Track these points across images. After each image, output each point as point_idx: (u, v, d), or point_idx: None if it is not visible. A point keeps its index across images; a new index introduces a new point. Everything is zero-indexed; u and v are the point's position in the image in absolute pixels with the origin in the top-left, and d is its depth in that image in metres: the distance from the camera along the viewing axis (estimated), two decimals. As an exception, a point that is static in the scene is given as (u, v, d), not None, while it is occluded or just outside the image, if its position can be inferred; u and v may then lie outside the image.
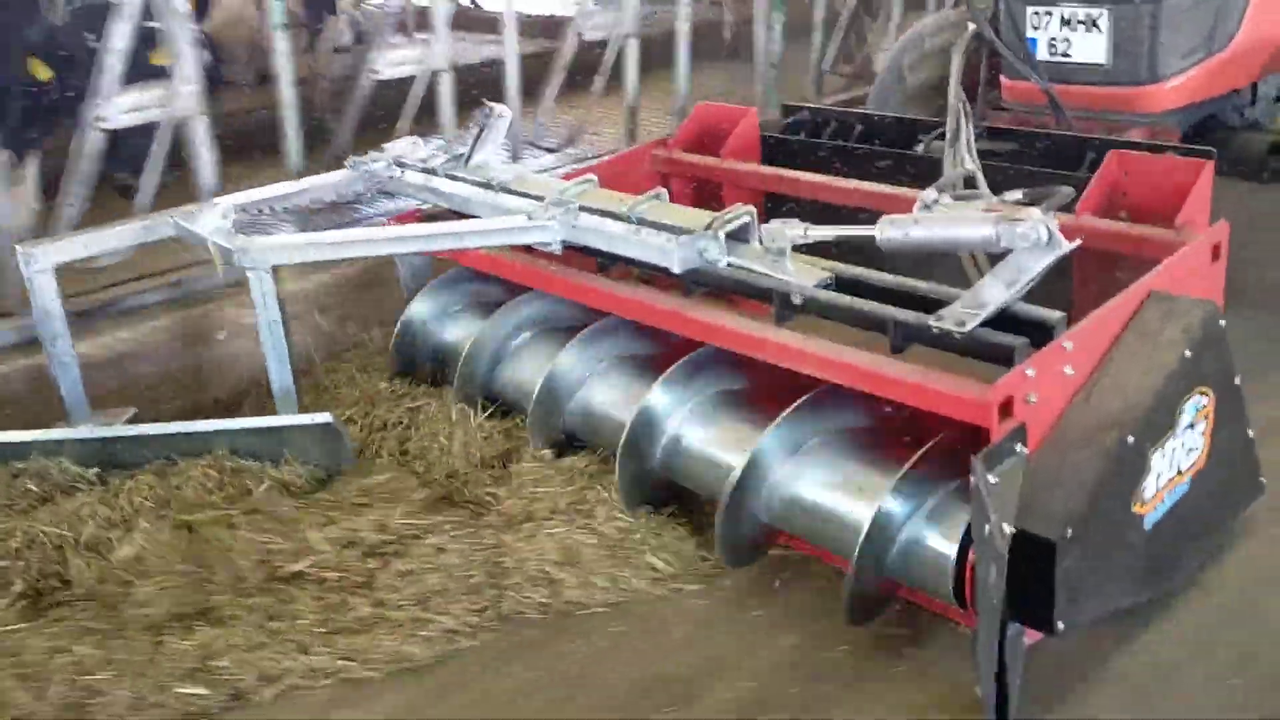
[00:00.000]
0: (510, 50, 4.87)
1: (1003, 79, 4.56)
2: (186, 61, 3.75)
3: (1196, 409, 2.69)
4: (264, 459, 3.23)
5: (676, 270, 2.97)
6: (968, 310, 2.52)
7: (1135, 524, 2.58)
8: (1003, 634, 2.26)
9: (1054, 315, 2.52)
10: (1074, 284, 3.28)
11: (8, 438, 3.24)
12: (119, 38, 3.70)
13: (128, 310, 3.90)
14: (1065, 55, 4.31)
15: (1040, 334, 2.52)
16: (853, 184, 3.77)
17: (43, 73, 4.73)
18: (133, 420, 3.58)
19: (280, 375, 3.34)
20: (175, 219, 3.48)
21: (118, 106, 3.69)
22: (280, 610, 2.76)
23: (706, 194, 4.27)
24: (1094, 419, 2.51)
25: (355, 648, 2.69)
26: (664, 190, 3.29)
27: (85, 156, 3.73)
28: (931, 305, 2.67)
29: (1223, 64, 4.29)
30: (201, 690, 2.58)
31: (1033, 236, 2.37)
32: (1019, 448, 2.42)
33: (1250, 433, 2.95)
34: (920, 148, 3.98)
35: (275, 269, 3.28)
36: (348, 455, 3.29)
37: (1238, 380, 2.82)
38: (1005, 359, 2.48)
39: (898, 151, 4.00)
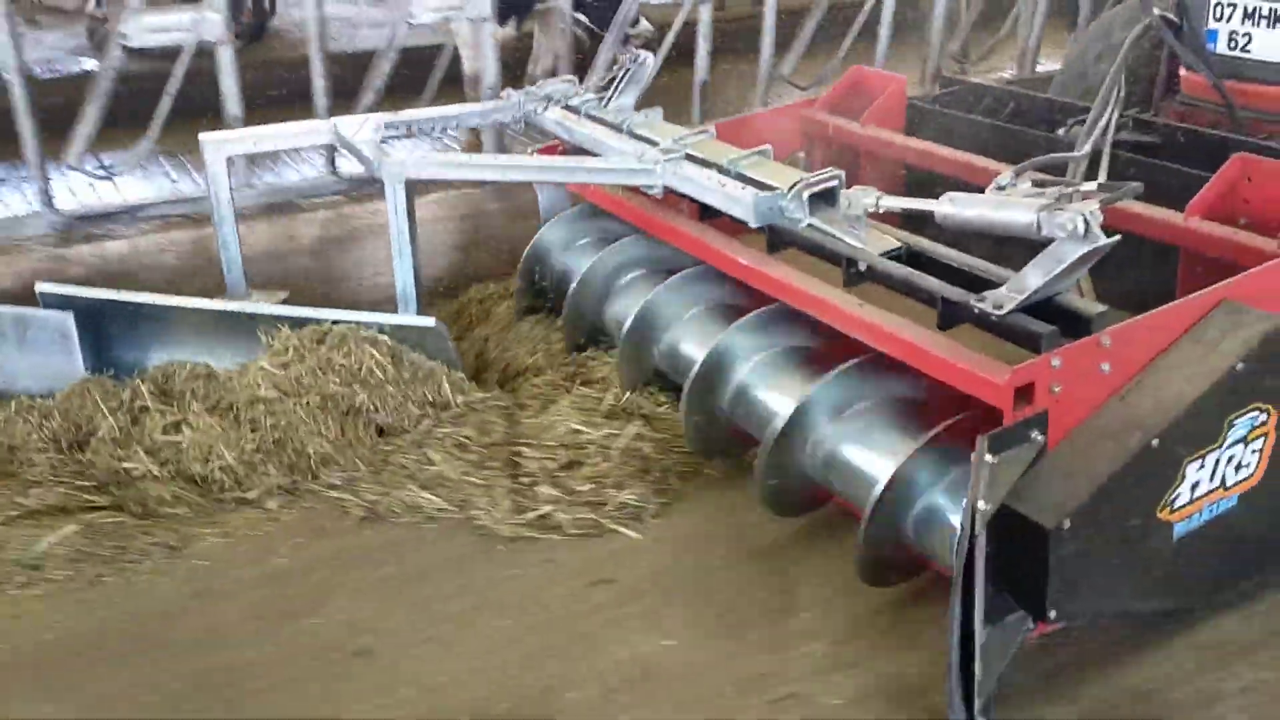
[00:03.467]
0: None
1: (1181, 71, 4.36)
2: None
3: (1252, 425, 2.61)
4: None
5: (753, 224, 3.09)
6: (1011, 294, 2.54)
7: (1160, 530, 2.54)
8: (969, 613, 2.32)
9: (1094, 309, 2.50)
10: (1178, 286, 3.18)
11: (179, 302, 3.69)
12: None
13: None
14: (1245, 50, 4.08)
15: (1080, 326, 2.51)
16: (978, 160, 3.74)
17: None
18: (284, 303, 4.01)
19: (404, 280, 3.68)
20: (336, 125, 3.86)
21: (143, 25, 3.97)
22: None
23: (847, 158, 4.32)
24: (1124, 418, 2.49)
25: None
26: (769, 147, 3.39)
27: (104, 74, 4.05)
28: (985, 286, 2.68)
29: None
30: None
31: (1069, 227, 2.36)
32: (1035, 435, 2.44)
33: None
34: (1063, 131, 3.89)
35: (410, 181, 3.61)
36: (452, 356, 3.59)
37: (1312, 404, 2.70)
38: (1035, 346, 2.49)
39: (1040, 133, 3.92)
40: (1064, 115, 4.05)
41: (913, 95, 4.51)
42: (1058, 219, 2.38)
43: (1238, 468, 2.64)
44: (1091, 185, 2.70)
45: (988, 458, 2.34)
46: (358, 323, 3.49)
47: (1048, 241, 2.46)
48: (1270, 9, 3.97)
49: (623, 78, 4.03)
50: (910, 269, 2.83)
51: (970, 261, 2.77)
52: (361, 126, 3.78)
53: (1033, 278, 2.48)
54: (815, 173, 3.10)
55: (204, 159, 3.76)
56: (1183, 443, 2.49)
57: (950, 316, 2.68)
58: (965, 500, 2.30)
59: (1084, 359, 2.48)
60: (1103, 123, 3.54)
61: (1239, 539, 2.72)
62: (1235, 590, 2.80)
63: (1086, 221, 2.35)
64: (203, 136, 3.77)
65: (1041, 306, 2.56)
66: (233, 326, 3.59)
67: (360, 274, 4.50)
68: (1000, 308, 2.52)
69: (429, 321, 3.52)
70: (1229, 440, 2.58)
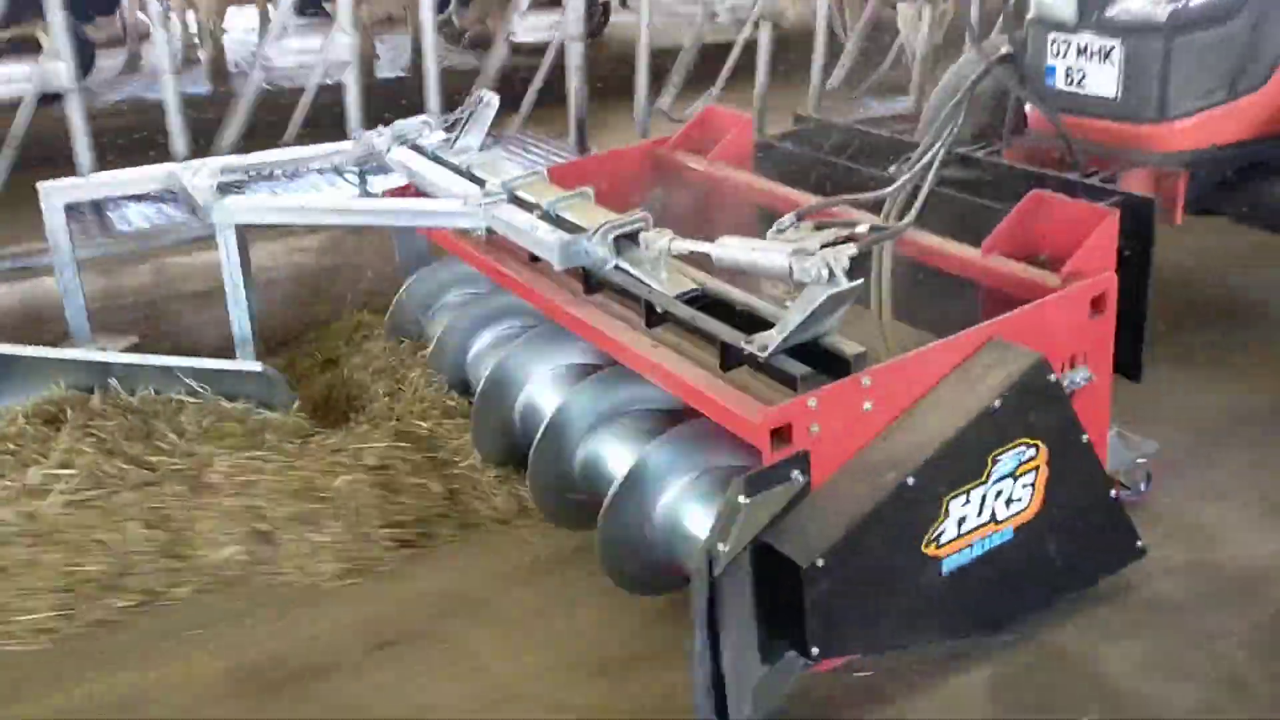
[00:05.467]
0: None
1: (1028, 107, 4.44)
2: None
3: (1019, 460, 2.66)
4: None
5: (557, 266, 3.13)
6: (776, 336, 2.59)
7: (926, 566, 2.59)
8: (717, 648, 2.35)
9: (853, 349, 2.55)
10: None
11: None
12: None
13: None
14: (1080, 85, 4.17)
15: (840, 367, 2.56)
16: (808, 197, 3.80)
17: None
18: (131, 348, 4.02)
19: (240, 325, 3.70)
20: (175, 171, 3.88)
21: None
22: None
23: (700, 196, 4.37)
24: (882, 457, 2.54)
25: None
26: (589, 189, 3.43)
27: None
28: (765, 327, 2.73)
29: (1253, 107, 4.05)
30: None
31: (812, 273, 2.41)
32: (796, 475, 2.48)
33: (1114, 493, 2.89)
34: (893, 169, 3.95)
35: (242, 228, 3.64)
36: (284, 399, 3.61)
37: (1085, 438, 2.76)
38: (793, 387, 2.53)
39: (872, 171, 3.99)
40: (900, 153, 4.12)
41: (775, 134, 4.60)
42: (805, 264, 2.43)
43: (1009, 502, 2.69)
44: (865, 227, 2.77)
45: (740, 499, 2.38)
46: (178, 368, 3.51)
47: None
48: (1101, 45, 4.06)
49: (467, 118, 4.08)
50: (698, 311, 2.87)
51: (754, 303, 2.81)
52: (198, 171, 3.80)
53: (787, 320, 2.53)
54: (623, 215, 3.15)
55: (41, 206, 3.78)
56: (942, 480, 2.54)
57: (728, 358, 2.72)
58: (703, 541, 2.33)
59: (843, 399, 2.52)
60: (926, 159, 3.61)
61: (1018, 571, 2.77)
62: (1020, 620, 2.84)
63: (831, 268, 2.40)
64: (41, 185, 3.80)
65: (806, 348, 2.60)
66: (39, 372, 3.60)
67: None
68: (764, 350, 2.57)
69: (256, 366, 3.54)
70: (995, 476, 2.63)
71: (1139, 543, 2.99)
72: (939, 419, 2.56)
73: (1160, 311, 3.30)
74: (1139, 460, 3.35)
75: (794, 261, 2.45)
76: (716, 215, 4.10)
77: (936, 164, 3.61)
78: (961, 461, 2.56)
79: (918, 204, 3.36)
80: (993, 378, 2.62)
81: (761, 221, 3.49)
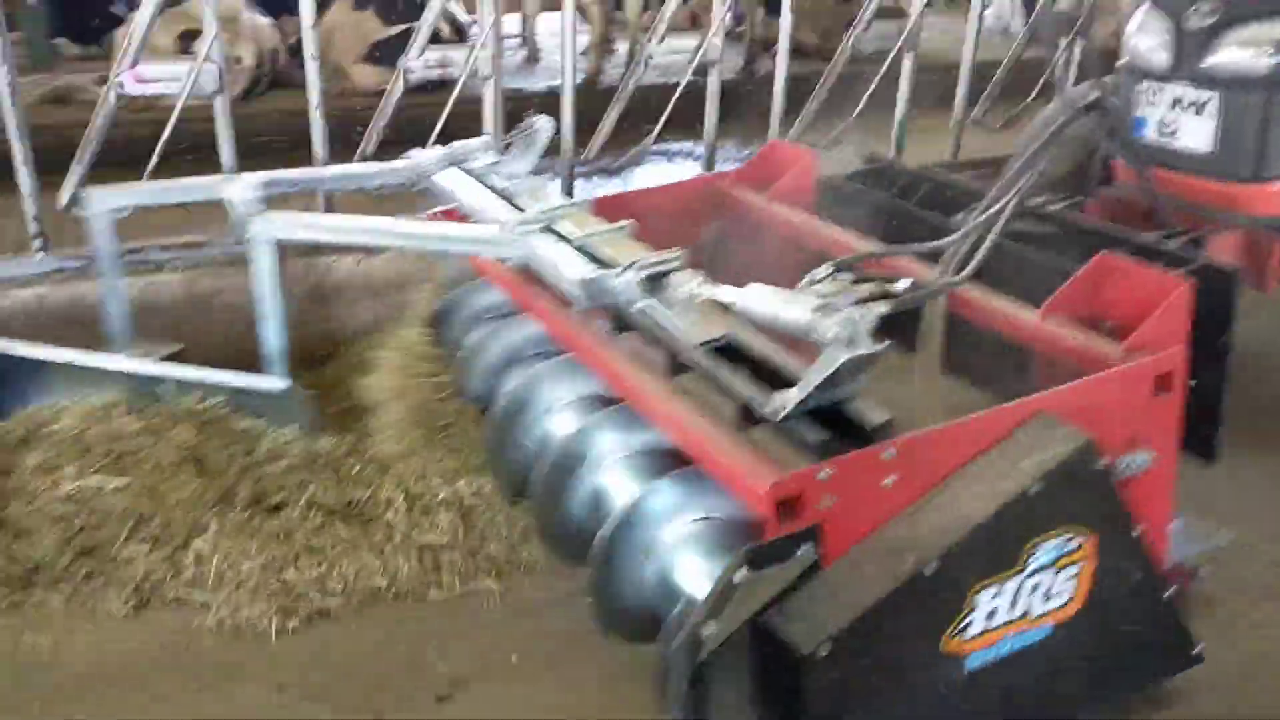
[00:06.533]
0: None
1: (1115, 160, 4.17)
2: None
3: (1061, 551, 2.41)
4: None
5: (580, 305, 2.97)
6: (795, 396, 2.38)
7: (946, 662, 2.35)
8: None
9: (876, 418, 2.33)
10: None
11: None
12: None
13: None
14: (1172, 139, 3.88)
15: (863, 435, 2.34)
16: (858, 242, 3.58)
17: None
18: (173, 356, 3.98)
19: (269, 343, 3.62)
20: (219, 183, 3.83)
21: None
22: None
23: (758, 234, 4.18)
24: (902, 538, 2.32)
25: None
26: (630, 223, 3.27)
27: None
28: (788, 384, 2.53)
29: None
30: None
31: (832, 333, 2.21)
32: (804, 551, 2.27)
33: (1167, 594, 2.61)
34: (961, 215, 3.71)
35: (279, 243, 3.56)
36: (304, 419, 3.52)
37: (1138, 531, 2.50)
38: (808, 455, 2.33)
39: (937, 218, 3.75)
40: (974, 201, 3.87)
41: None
42: (826, 322, 2.23)
43: (1047, 596, 2.43)
44: (905, 283, 2.55)
45: (739, 574, 2.19)
46: (204, 384, 3.44)
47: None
48: (1196, 97, 3.77)
49: (518, 141, 3.96)
50: (721, 361, 2.68)
51: (780, 358, 2.61)
52: (239, 184, 3.73)
53: (808, 381, 2.32)
54: (655, 253, 2.99)
55: (88, 213, 3.76)
56: (969, 568, 2.31)
57: (746, 417, 2.53)
58: (690, 620, 2.13)
59: (862, 471, 2.30)
60: (994, 210, 3.37)
61: (1053, 673, 2.51)
62: (1054, 726, 2.58)
63: (853, 330, 2.19)
64: (86, 190, 3.78)
65: (828, 411, 2.40)
66: (86, 380, 3.59)
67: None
68: (778, 412, 2.37)
69: (280, 384, 3.45)
70: (1031, 567, 2.38)
71: (1195, 649, 2.70)
72: (970, 500, 2.33)
73: (1241, 389, 3.02)
74: (1207, 551, 3.05)
75: (815, 319, 2.25)
76: (766, 257, 3.91)
77: (1005, 216, 3.36)
78: (993, 549, 2.32)
79: (976, 259, 3.11)
80: (1034, 459, 2.37)
81: (810, 267, 3.28)
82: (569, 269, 3.02)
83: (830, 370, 2.23)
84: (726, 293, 2.59)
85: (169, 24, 7.01)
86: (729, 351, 2.76)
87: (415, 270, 4.37)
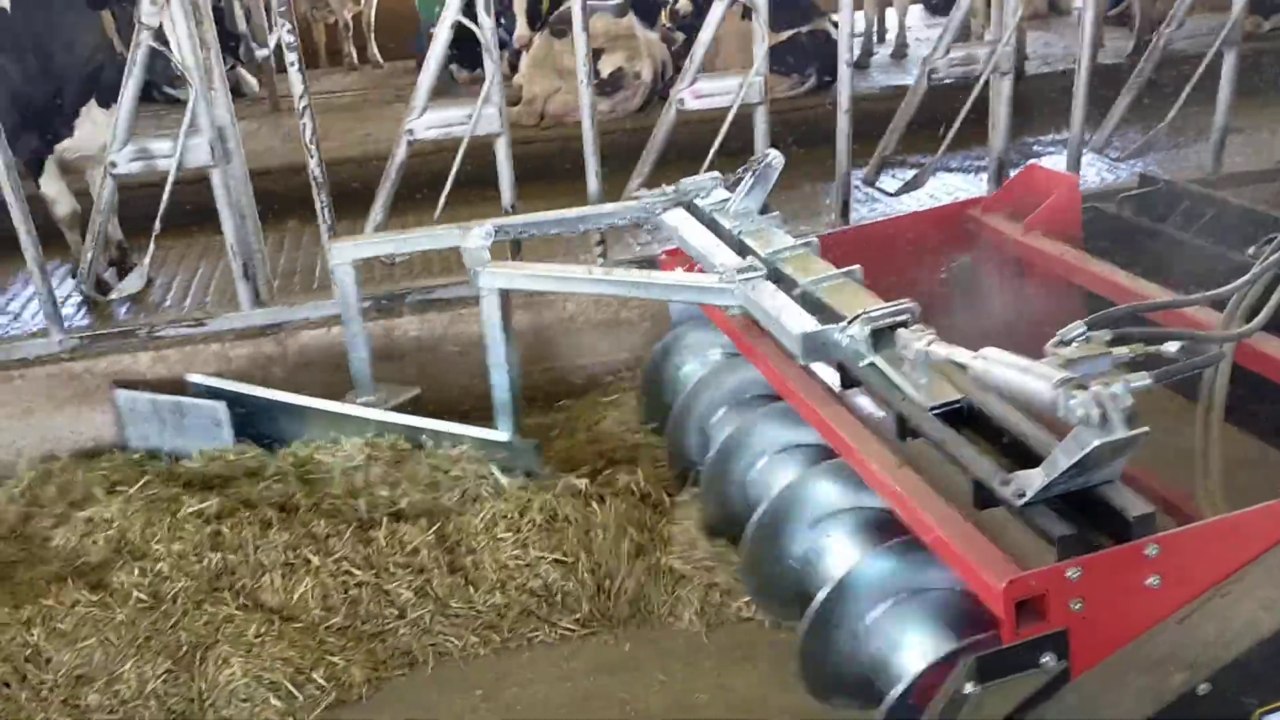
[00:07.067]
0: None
1: None
2: (492, 84, 4.12)
3: (1374, 673, 1.98)
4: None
5: (800, 360, 2.76)
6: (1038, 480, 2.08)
7: (1223, 797, 1.98)
8: None
9: (1137, 509, 1.99)
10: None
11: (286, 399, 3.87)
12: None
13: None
14: None
15: (1119, 529, 2.01)
16: (1129, 281, 3.18)
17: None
18: (413, 400, 4.09)
19: (500, 392, 3.63)
20: (458, 231, 3.87)
21: (425, 122, 4.15)
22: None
23: (1014, 270, 3.81)
24: (1171, 650, 1.97)
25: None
26: (857, 269, 3.03)
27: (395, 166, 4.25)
28: (1035, 462, 2.22)
29: None
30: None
31: (1080, 413, 1.89)
32: (1048, 659, 1.97)
33: None
34: (1252, 250, 3.22)
35: (504, 291, 3.56)
36: (533, 468, 3.50)
37: None
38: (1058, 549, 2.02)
39: (1224, 252, 3.28)
40: (1269, 230, 3.36)
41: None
42: (1073, 400, 1.92)
43: (1354, 726, 2.01)
44: (1176, 346, 2.19)
45: (966, 687, 1.92)
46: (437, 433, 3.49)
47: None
48: None
49: (747, 180, 3.78)
50: (955, 432, 2.40)
51: (1023, 429, 2.30)
52: (471, 233, 3.76)
53: (1056, 464, 2.02)
54: (884, 304, 2.73)
55: (330, 263, 3.90)
56: (1251, 691, 1.94)
57: (981, 497, 2.24)
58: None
59: (1119, 570, 1.98)
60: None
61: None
62: None
63: (1105, 411, 1.87)
64: (329, 243, 3.92)
65: (1078, 497, 2.08)
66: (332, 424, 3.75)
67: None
68: (1022, 495, 2.08)
69: (503, 435, 3.45)
70: (1335, 690, 1.97)
71: None
72: (1252, 609, 1.95)
73: None
74: None
75: (1060, 394, 1.94)
76: (1022, 301, 3.55)
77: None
78: (1282, 669, 1.94)
79: (1270, 306, 2.66)
80: (1337, 562, 1.97)
81: (1079, 312, 2.92)
82: (790, 321, 2.82)
83: (1081, 455, 1.92)
84: (961, 355, 2.31)
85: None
86: (965, 415, 2.49)
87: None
